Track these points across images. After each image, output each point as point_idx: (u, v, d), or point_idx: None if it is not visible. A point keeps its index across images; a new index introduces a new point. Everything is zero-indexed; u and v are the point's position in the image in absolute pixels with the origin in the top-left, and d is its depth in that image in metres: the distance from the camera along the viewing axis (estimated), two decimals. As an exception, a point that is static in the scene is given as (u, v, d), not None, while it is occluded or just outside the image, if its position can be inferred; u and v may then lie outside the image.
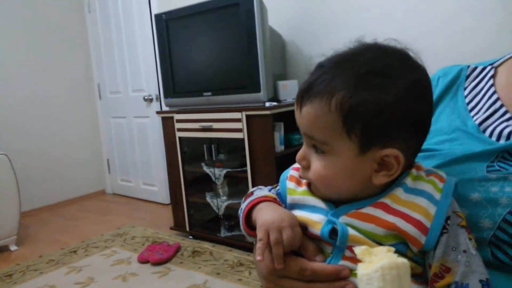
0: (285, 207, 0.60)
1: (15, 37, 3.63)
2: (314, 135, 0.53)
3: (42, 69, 3.82)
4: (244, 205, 0.62)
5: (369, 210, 0.51)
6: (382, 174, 0.51)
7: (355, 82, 0.50)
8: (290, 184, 0.61)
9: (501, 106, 0.61)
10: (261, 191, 0.64)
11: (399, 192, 0.51)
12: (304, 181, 0.59)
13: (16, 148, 3.52)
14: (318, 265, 0.53)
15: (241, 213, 0.61)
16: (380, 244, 0.50)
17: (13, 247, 2.88)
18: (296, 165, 0.62)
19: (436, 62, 0.69)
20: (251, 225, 0.60)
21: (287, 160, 2.29)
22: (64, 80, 3.99)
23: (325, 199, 0.56)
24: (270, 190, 0.66)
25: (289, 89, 2.48)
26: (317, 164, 0.53)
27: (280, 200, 0.62)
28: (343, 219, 0.52)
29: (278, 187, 0.65)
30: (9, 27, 3.59)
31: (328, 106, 0.50)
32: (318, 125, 0.52)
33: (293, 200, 0.59)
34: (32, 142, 3.75)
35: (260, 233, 0.54)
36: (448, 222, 0.50)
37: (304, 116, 0.53)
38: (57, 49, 3.93)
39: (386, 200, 0.51)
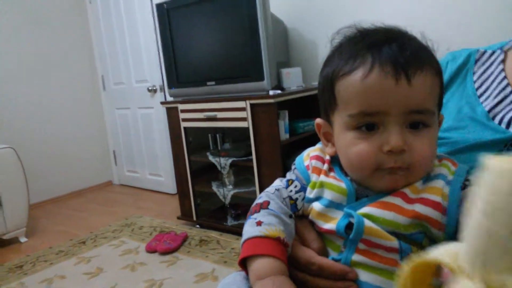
0: (305, 186, 0.58)
1: (16, 31, 3.62)
2: (427, 108, 0.49)
3: (45, 62, 3.81)
4: (244, 237, 0.54)
5: (388, 198, 0.51)
6: None
7: (428, 48, 0.51)
8: (313, 177, 0.58)
9: (511, 92, 0.59)
10: (268, 215, 0.55)
11: (418, 183, 0.51)
12: (324, 168, 0.57)
13: (22, 141, 3.54)
14: (326, 261, 0.52)
15: (241, 245, 0.55)
16: (398, 234, 0.49)
17: (23, 239, 2.92)
18: (313, 153, 0.60)
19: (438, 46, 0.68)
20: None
21: (292, 148, 2.29)
22: (68, 72, 3.99)
23: (343, 190, 0.53)
24: (281, 188, 0.60)
25: (292, 77, 2.45)
26: (421, 143, 0.49)
27: (299, 183, 0.59)
28: (362, 209, 0.51)
29: (292, 181, 0.60)
30: (10, 21, 3.58)
31: (434, 71, 0.49)
32: (433, 94, 0.50)
33: (314, 193, 0.57)
34: (39, 135, 3.77)
35: None
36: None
37: (419, 87, 0.47)
38: (60, 41, 3.92)
39: (405, 190, 0.50)
